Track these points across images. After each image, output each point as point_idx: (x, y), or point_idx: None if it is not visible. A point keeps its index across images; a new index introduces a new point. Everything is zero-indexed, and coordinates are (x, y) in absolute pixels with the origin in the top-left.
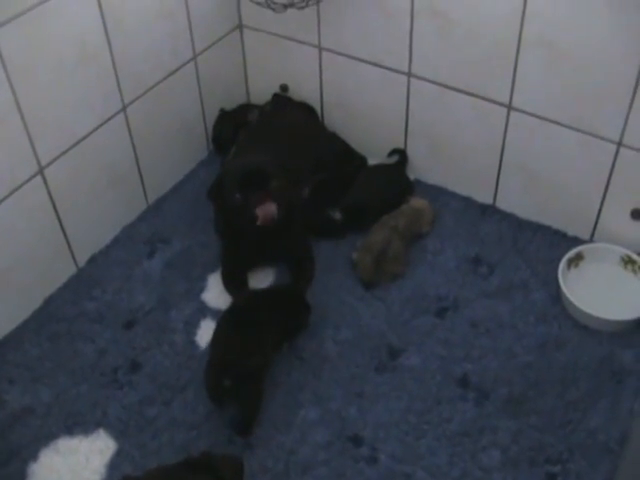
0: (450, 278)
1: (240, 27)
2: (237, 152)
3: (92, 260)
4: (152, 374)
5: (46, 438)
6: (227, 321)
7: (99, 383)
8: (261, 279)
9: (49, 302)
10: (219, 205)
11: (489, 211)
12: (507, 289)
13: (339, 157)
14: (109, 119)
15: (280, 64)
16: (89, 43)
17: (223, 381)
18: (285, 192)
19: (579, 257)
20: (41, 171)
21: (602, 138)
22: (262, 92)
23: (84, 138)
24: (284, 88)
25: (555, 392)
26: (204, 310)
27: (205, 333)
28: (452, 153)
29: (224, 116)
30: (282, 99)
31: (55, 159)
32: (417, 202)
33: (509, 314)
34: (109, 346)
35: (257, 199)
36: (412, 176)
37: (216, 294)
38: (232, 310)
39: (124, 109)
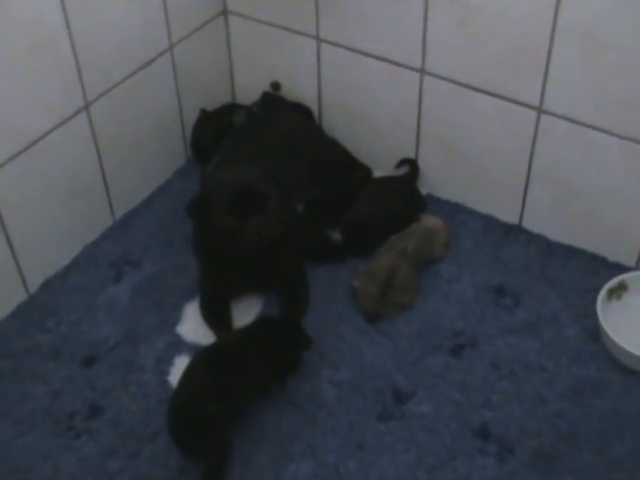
0: (468, 310)
1: (225, 13)
2: (220, 161)
3: (46, 285)
4: (116, 420)
5: None
6: (202, 357)
7: (51, 432)
8: (246, 310)
9: None
10: (201, 224)
11: (514, 232)
12: (535, 324)
13: (339, 168)
14: (68, 119)
15: (271, 57)
16: (45, 27)
17: (185, 427)
18: (285, 214)
19: (622, 287)
20: None
21: None
22: (250, 90)
23: (38, 140)
24: (276, 86)
25: (593, 447)
26: (179, 345)
27: (180, 372)
28: (471, 164)
29: (205, 118)
30: (273, 99)
31: (1, 165)
32: (430, 221)
33: (537, 353)
34: (65, 387)
35: (255, 225)
36: (424, 190)
37: (193, 326)
38: (212, 347)
39: (87, 107)
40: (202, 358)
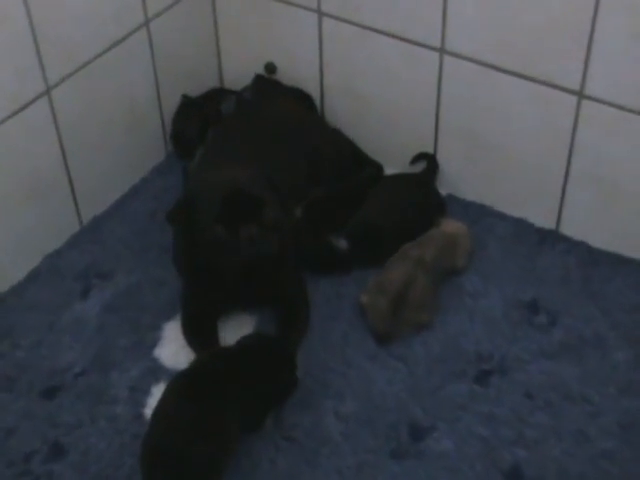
0: (496, 330)
1: None
2: (206, 157)
3: (0, 301)
4: (82, 462)
5: None
6: (179, 386)
7: (4, 476)
8: (236, 330)
9: None
10: (184, 232)
11: (550, 238)
12: (575, 347)
13: (344, 164)
14: (25, 106)
15: (265, 35)
16: None
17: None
18: (282, 222)
19: None
20: None
21: None
22: (240, 73)
23: None
24: (270, 68)
25: None
26: (157, 371)
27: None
28: (500, 159)
29: (188, 106)
30: (267, 83)
31: None
32: (450, 226)
33: (579, 381)
34: (21, 423)
35: (248, 234)
36: (444, 190)
37: (174, 350)
38: (188, 371)
39: (47, 92)
40: (178, 385)
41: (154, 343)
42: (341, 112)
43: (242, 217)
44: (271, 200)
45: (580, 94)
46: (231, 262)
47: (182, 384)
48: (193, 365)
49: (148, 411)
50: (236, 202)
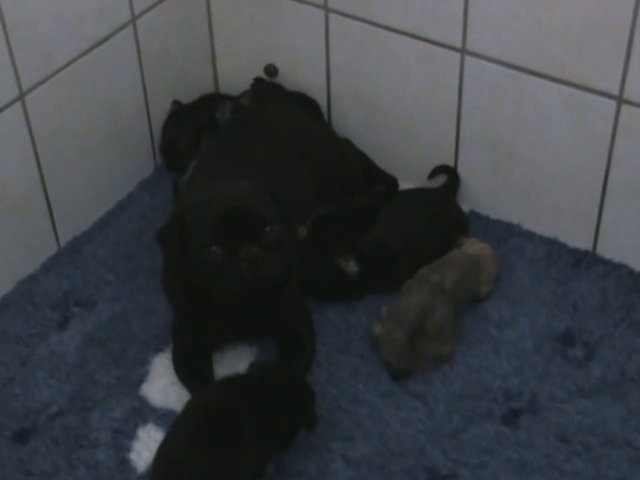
0: (525, 365)
1: None
2: (199, 169)
3: None
4: None
5: None
6: (183, 429)
7: None
8: (233, 364)
9: None
10: (176, 255)
11: (587, 260)
12: (616, 383)
13: (354, 178)
14: None
15: (265, 34)
16: None
17: None
18: (286, 242)
19: None
20: None
21: None
22: (237, 77)
23: None
24: (271, 71)
25: None
26: (144, 411)
27: (145, 448)
28: (529, 172)
29: (179, 113)
30: (268, 88)
31: None
32: (473, 247)
33: (621, 423)
34: None
35: (249, 257)
36: (466, 207)
37: (163, 386)
38: (192, 410)
39: (21, 97)
40: (182, 429)
41: (141, 379)
42: (350, 120)
43: (241, 236)
44: (273, 217)
45: (619, 99)
46: (229, 287)
47: (187, 426)
48: (198, 401)
49: (134, 457)
50: (234, 220)
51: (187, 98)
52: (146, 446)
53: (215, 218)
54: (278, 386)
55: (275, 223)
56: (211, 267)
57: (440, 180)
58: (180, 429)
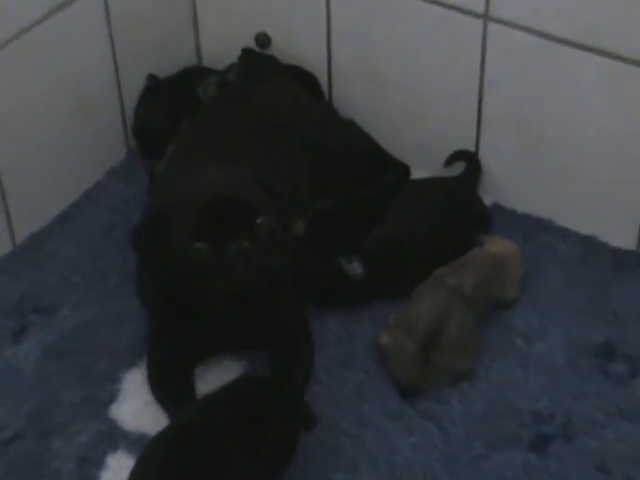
0: (557, 382)
1: None
2: (179, 155)
3: None
4: None
5: None
6: (158, 455)
7: None
8: (219, 380)
9: None
10: (153, 254)
11: (630, 262)
12: None
13: (359, 165)
14: None
15: None
16: None
17: None
18: (281, 237)
19: None
20: None
21: None
22: (223, 47)
23: None
24: (262, 41)
25: None
26: (114, 436)
27: (115, 478)
28: (562, 158)
29: (156, 89)
30: (258, 61)
31: None
32: (497, 245)
33: None
34: None
35: (239, 254)
36: (488, 199)
37: (136, 407)
38: (169, 434)
39: None
40: (159, 450)
41: (110, 398)
42: (355, 97)
43: (229, 231)
44: (265, 208)
45: None
46: (217, 290)
47: (163, 451)
48: (178, 423)
49: None
50: (220, 211)
51: (165, 71)
52: (116, 476)
53: (198, 210)
54: (270, 400)
55: (268, 214)
56: (195, 267)
57: (459, 168)
58: (152, 454)
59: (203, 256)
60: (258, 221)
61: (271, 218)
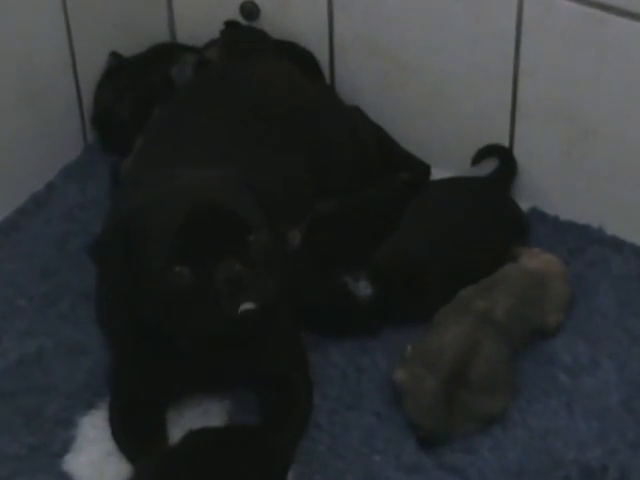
0: (611, 428)
1: None
2: (149, 150)
3: None
4: None
5: None
6: None
7: None
8: (194, 426)
9: None
10: (121, 277)
11: None
12: None
13: (367, 163)
14: None
15: None
16: None
17: None
18: (274, 253)
19: None
20: None
21: None
22: (201, 20)
23: None
24: (249, 11)
25: None
26: None
27: None
28: (614, 155)
29: (120, 70)
30: (244, 36)
31: None
32: (536, 260)
33: None
34: None
35: (229, 276)
36: (525, 204)
37: (95, 457)
38: None
39: None
40: None
41: (64, 448)
42: (362, 80)
43: (217, 250)
44: (258, 220)
45: None
46: (202, 322)
47: None
48: (140, 473)
49: None
50: (205, 225)
51: (131, 49)
52: None
53: (178, 223)
54: (250, 454)
55: (261, 228)
56: (174, 294)
57: (489, 166)
58: None
59: (185, 282)
60: (250, 238)
61: (265, 232)
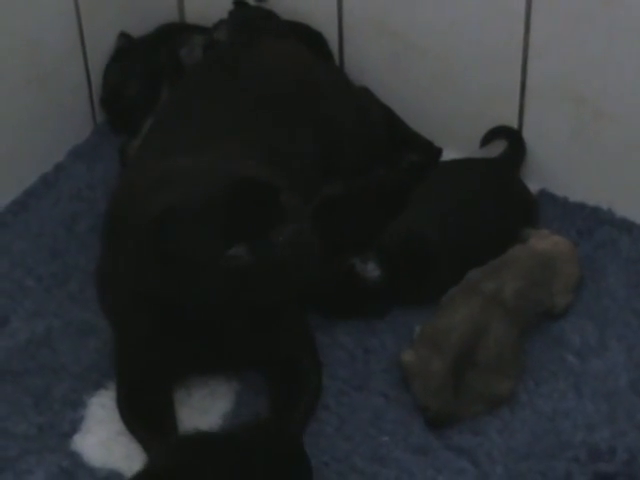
0: (620, 410)
1: None
2: (157, 131)
3: None
4: None
5: None
6: None
7: None
8: (205, 406)
9: None
10: (152, 263)
11: None
12: None
13: (376, 144)
14: None
15: None
16: None
17: None
18: (303, 210)
19: None
20: None
21: None
22: (209, 0)
23: None
24: None
25: None
26: (77, 474)
27: None
28: (624, 136)
29: (129, 51)
30: (253, 17)
31: None
32: (545, 241)
33: None
34: None
35: (287, 240)
36: (534, 185)
37: (104, 437)
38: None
39: None
40: None
41: (73, 428)
42: (371, 60)
43: (261, 219)
44: (282, 182)
45: None
46: (272, 294)
47: None
48: (153, 466)
49: None
50: (242, 200)
51: (140, 30)
52: None
53: (218, 207)
54: (261, 452)
55: (285, 190)
56: (235, 277)
57: (498, 147)
58: None
59: (245, 261)
60: (283, 198)
61: (291, 192)
